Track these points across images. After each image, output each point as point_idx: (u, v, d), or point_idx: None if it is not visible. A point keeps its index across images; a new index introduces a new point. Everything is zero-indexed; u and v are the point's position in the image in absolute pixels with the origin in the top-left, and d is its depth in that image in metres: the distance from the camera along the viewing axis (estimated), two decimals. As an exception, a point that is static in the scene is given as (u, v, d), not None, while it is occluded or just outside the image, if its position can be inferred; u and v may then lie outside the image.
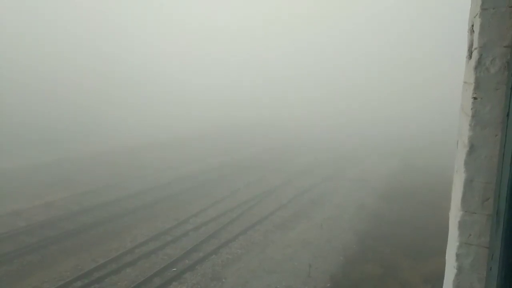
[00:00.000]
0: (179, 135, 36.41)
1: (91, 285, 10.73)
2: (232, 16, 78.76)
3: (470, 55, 1.59)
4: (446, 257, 1.90)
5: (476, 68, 1.42)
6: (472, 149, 1.44)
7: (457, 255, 1.58)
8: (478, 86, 1.42)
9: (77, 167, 23.45)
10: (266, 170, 24.45)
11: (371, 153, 31.00)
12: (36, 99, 40.56)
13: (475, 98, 1.42)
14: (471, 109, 1.43)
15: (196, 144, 32.77)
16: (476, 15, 1.45)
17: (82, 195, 18.27)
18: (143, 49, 62.45)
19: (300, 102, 57.55)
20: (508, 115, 1.31)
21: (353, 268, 12.08)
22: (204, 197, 18.66)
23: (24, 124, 33.41)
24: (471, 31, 1.58)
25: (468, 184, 1.48)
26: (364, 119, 48.26)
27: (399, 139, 36.78)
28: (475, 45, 1.45)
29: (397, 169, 25.81)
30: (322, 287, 11.03)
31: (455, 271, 1.60)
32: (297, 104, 56.95)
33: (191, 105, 52.22)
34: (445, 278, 1.92)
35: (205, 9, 77.28)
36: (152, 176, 22.10)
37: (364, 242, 13.95)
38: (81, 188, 19.13)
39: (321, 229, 15.09)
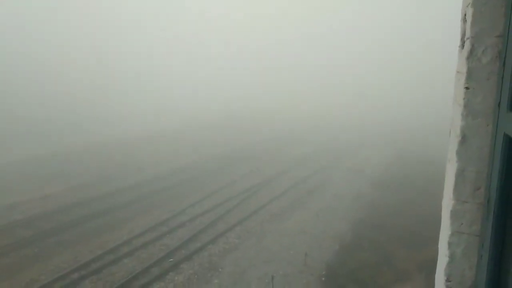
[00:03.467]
0: (175, 128, 36.30)
1: (89, 276, 10.78)
2: (241, 9, 77.90)
3: (462, 45, 1.58)
4: (439, 246, 1.93)
5: (468, 58, 1.42)
6: (464, 139, 1.45)
7: (449, 244, 1.60)
8: (470, 76, 1.42)
9: (73, 160, 23.36)
10: (262, 161, 24.50)
11: (367, 143, 31.11)
12: (33, 93, 40.26)
13: (467, 88, 1.43)
14: (463, 99, 1.44)
15: (192, 136, 32.71)
16: (469, 4, 1.45)
17: (78, 188, 18.23)
18: (149, 44, 62.07)
19: (297, 94, 57.43)
20: (499, 105, 1.31)
21: (348, 257, 12.23)
22: (200, 189, 18.69)
23: (20, 118, 33.15)
24: (464, 20, 1.58)
25: (460, 173, 1.49)
26: (362, 110, 48.31)
27: (396, 129, 36.90)
28: (467, 34, 1.45)
29: (393, 159, 25.95)
30: (318, 275, 11.17)
31: (447, 259, 1.62)
32: (293, 95, 56.83)
33: (195, 96, 52.01)
34: (437, 266, 1.95)
35: (216, 2, 76.32)
36: (149, 168, 22.07)
37: (360, 231, 14.10)
38: (77, 181, 19.08)
39: (317, 218, 15.21)
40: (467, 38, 1.45)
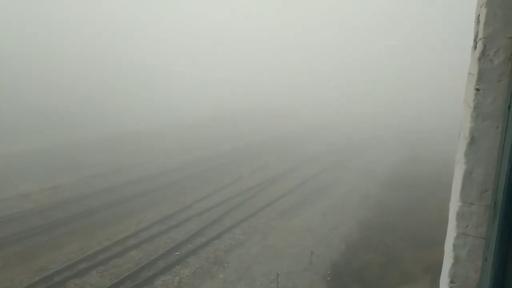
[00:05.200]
0: (185, 122, 36.50)
1: (96, 267, 10.96)
2: (244, 9, 77.78)
3: (475, 46, 1.57)
4: (445, 247, 1.92)
5: (480, 59, 1.41)
6: (472, 140, 1.44)
7: (454, 246, 1.59)
8: (481, 77, 1.41)
9: (85, 152, 23.66)
10: (270, 158, 24.49)
11: (377, 143, 30.87)
12: (46, 89, 41.03)
13: (477, 90, 1.42)
14: (473, 100, 1.43)
15: (202, 131, 32.85)
16: (482, 5, 1.43)
17: (89, 178, 18.48)
18: (156, 45, 62.68)
19: (307, 95, 57.19)
20: (509, 107, 1.30)
21: (354, 256, 12.19)
22: (208, 184, 18.79)
23: (33, 110, 33.69)
24: (477, 21, 1.56)
25: (468, 175, 1.48)
26: (372, 112, 47.90)
27: (406, 130, 36.49)
28: (480, 35, 1.43)
29: (403, 160, 25.71)
30: (323, 274, 11.17)
31: (451, 261, 1.62)
32: (303, 95, 56.62)
33: (202, 94, 52.24)
34: (442, 268, 1.94)
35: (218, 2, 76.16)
36: (158, 162, 22.25)
37: (367, 231, 14.04)
38: (88, 172, 19.34)
39: (324, 217, 15.18)
40: (480, 39, 1.44)
